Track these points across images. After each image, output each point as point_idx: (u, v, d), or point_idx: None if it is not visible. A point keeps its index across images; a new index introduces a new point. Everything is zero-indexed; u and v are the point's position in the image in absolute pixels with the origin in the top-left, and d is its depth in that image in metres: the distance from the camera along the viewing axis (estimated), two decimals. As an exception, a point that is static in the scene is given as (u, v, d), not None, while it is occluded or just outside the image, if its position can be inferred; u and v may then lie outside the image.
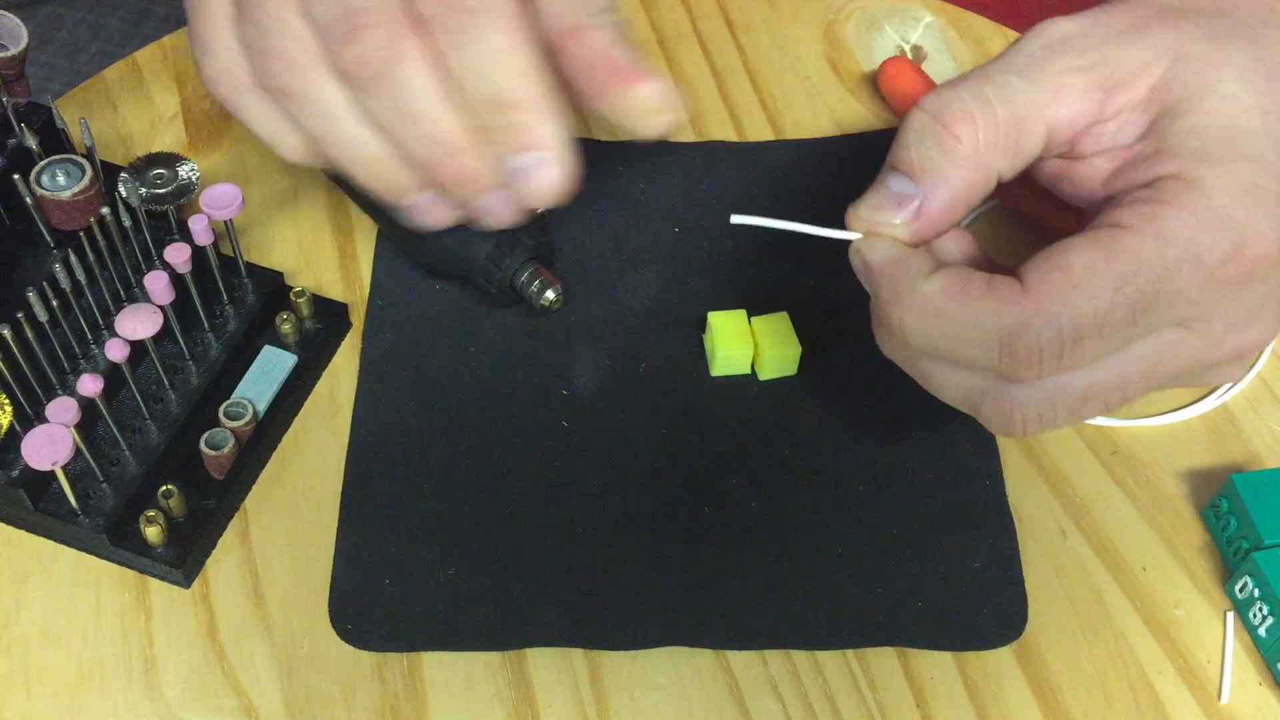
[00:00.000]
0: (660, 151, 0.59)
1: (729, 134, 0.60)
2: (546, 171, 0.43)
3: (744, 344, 0.51)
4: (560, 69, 0.44)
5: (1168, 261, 0.38)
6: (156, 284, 0.46)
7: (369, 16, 0.41)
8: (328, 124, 0.43)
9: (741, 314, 0.52)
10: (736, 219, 0.43)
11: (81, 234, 0.48)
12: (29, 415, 0.46)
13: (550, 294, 0.50)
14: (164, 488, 0.47)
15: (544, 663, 0.46)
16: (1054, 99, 0.40)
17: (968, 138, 0.40)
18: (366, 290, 0.54)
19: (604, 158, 0.58)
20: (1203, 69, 0.40)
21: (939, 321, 0.39)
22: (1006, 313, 0.38)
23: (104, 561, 0.48)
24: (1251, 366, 0.43)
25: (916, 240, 0.41)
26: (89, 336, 0.49)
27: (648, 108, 0.44)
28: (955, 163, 0.40)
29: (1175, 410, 0.52)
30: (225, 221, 0.49)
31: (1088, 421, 0.51)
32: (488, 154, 0.43)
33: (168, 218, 0.51)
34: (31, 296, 0.45)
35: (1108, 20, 0.41)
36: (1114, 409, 0.41)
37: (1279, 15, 0.41)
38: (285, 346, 0.51)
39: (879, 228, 0.41)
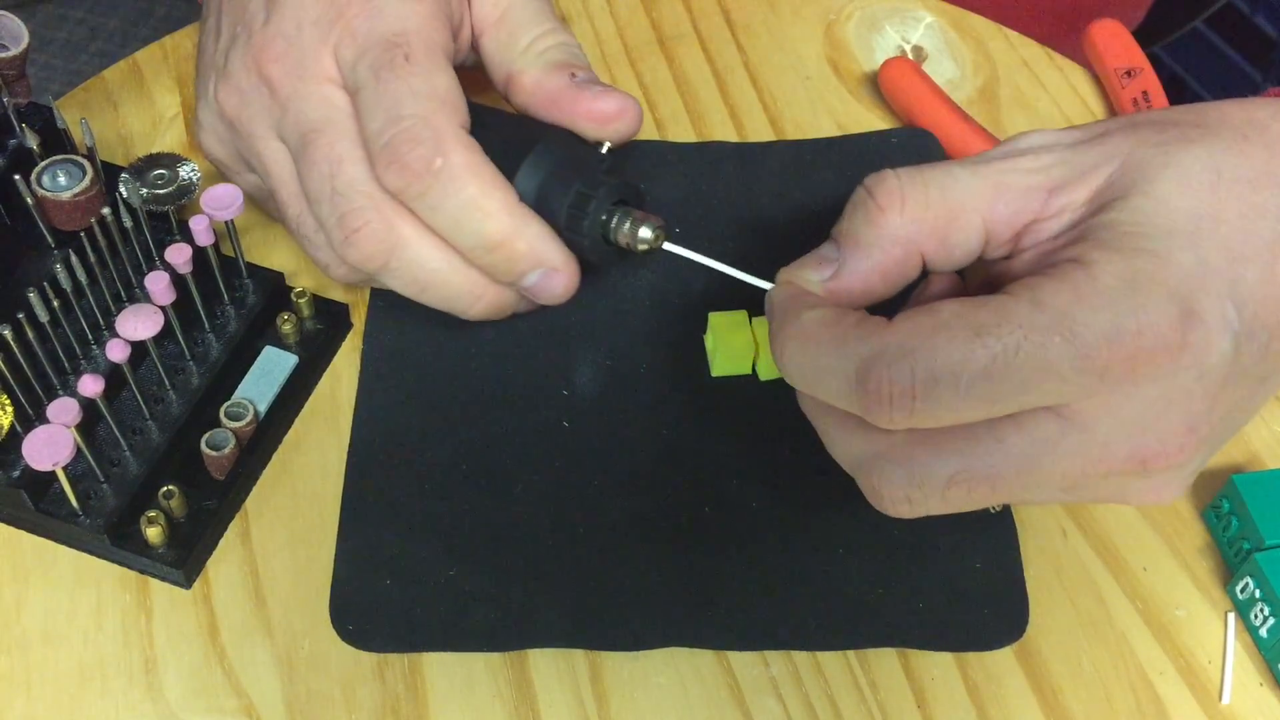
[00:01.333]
0: (660, 151, 0.59)
1: (729, 134, 0.60)
2: (553, 279, 0.47)
3: (745, 344, 0.51)
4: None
5: (1038, 325, 0.36)
6: (157, 284, 0.46)
7: (360, 218, 0.46)
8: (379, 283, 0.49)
9: (742, 314, 0.51)
10: (669, 247, 0.46)
11: (82, 234, 0.48)
12: (30, 416, 0.46)
13: (646, 231, 0.46)
14: (165, 488, 0.47)
15: (544, 663, 0.46)
16: (995, 193, 0.40)
17: (893, 214, 0.40)
18: (367, 291, 0.54)
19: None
20: (1142, 170, 0.39)
21: (811, 349, 0.40)
22: (866, 343, 0.38)
23: (105, 562, 0.48)
24: (1183, 487, 0.40)
25: (830, 302, 0.42)
26: (90, 337, 0.49)
27: (588, 126, 0.49)
28: (876, 235, 0.41)
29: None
30: (226, 222, 0.49)
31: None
32: (500, 286, 0.48)
33: (168, 218, 0.51)
34: (32, 297, 0.45)
35: (1080, 131, 0.41)
36: (987, 504, 0.40)
37: (1269, 132, 0.40)
38: (286, 347, 0.51)
39: (796, 281, 0.42)
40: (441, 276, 0.47)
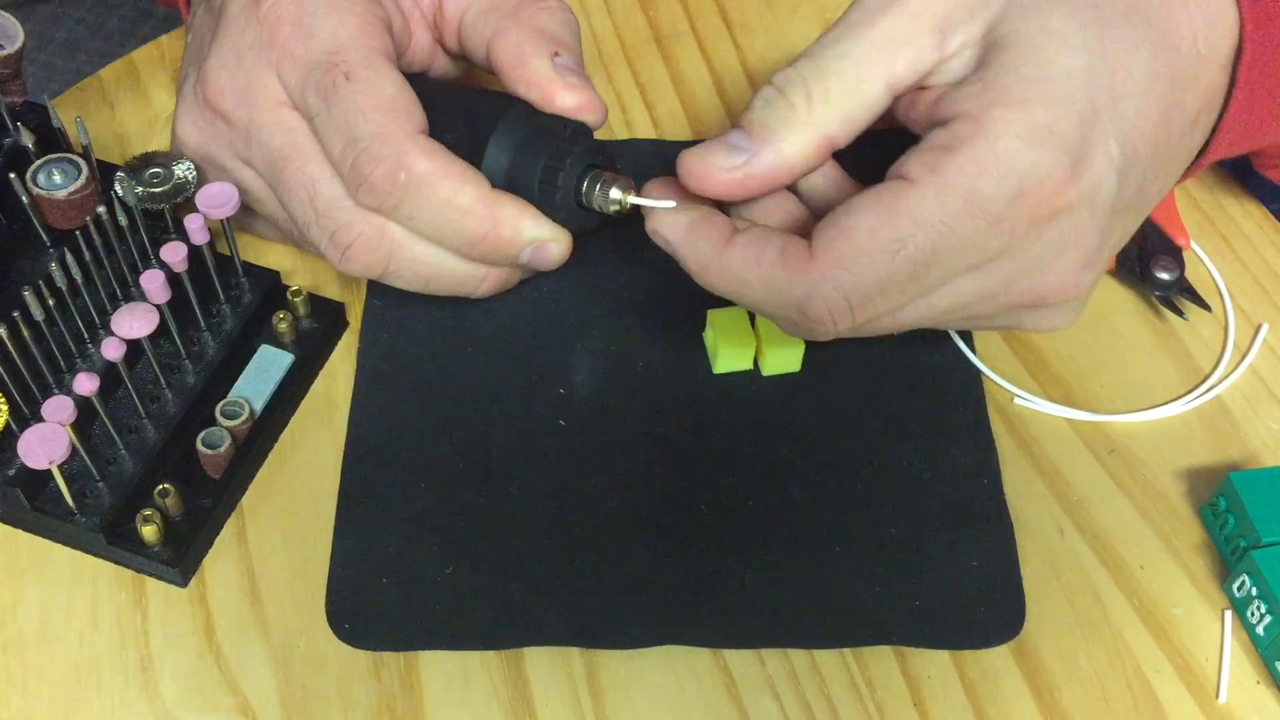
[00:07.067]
0: (659, 150, 0.59)
1: (727, 133, 0.60)
2: (546, 251, 0.48)
3: (746, 341, 0.51)
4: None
5: (948, 216, 0.39)
6: (153, 283, 0.46)
7: (351, 233, 0.46)
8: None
9: (742, 311, 0.51)
10: (639, 200, 0.46)
11: (78, 233, 0.48)
12: (25, 414, 0.46)
13: (616, 191, 0.46)
14: (160, 487, 0.46)
15: (541, 662, 0.46)
16: (889, 54, 0.42)
17: (802, 108, 0.42)
18: (364, 289, 0.54)
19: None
20: (1034, 4, 0.40)
21: (742, 287, 0.42)
22: (796, 281, 0.41)
23: (101, 560, 0.48)
24: (1077, 316, 0.44)
25: (738, 194, 0.43)
26: (85, 335, 0.49)
27: (562, 107, 0.48)
28: (790, 128, 0.42)
29: (1171, 402, 0.52)
30: (221, 220, 0.49)
31: (1088, 419, 0.51)
32: (499, 266, 0.49)
33: (164, 217, 0.51)
34: (28, 295, 0.45)
35: None
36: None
37: None
38: (282, 346, 0.51)
39: (707, 167, 0.43)
40: (442, 269, 0.48)
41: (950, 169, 0.39)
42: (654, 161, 0.58)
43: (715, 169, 0.43)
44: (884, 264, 0.40)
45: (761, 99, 0.43)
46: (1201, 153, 0.46)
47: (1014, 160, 0.39)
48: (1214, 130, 0.45)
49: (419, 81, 0.48)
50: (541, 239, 0.47)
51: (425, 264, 0.47)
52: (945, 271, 0.40)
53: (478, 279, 0.49)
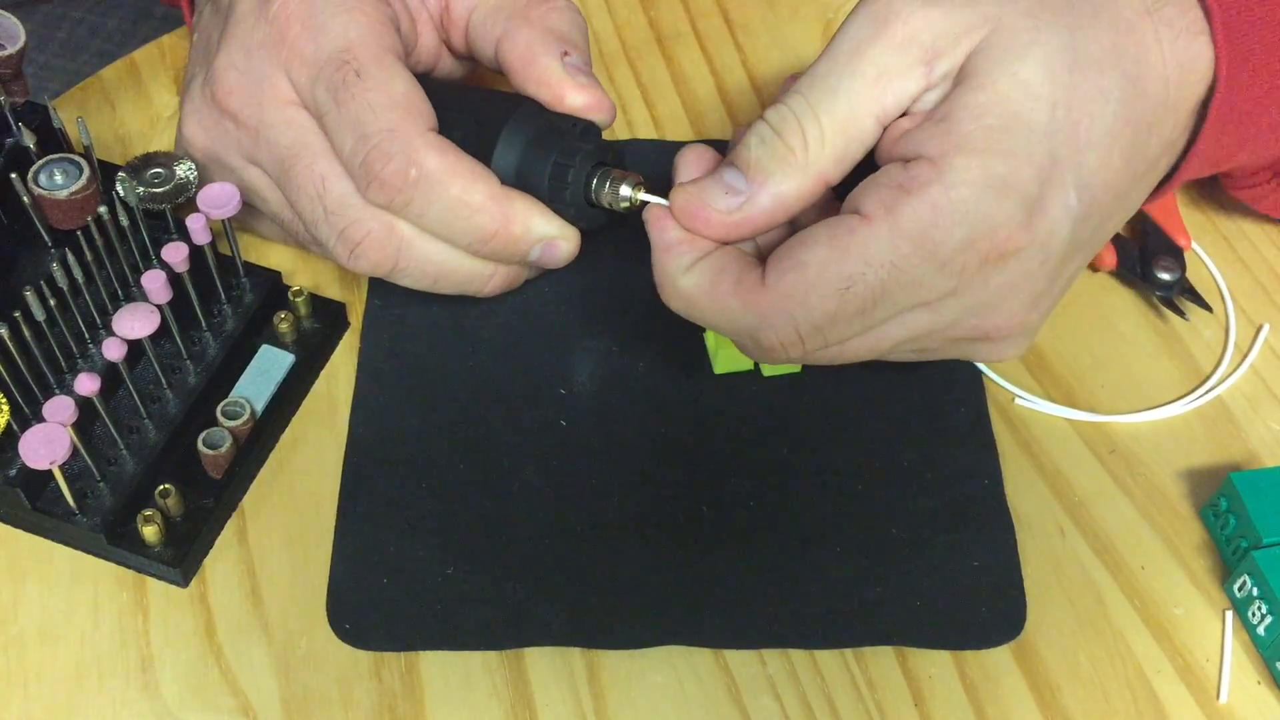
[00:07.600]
0: (659, 150, 0.59)
1: (728, 133, 0.60)
2: (556, 248, 0.48)
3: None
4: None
5: (898, 258, 0.40)
6: (154, 283, 0.46)
7: (361, 230, 0.47)
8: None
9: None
10: (649, 198, 0.46)
11: (79, 233, 0.48)
12: (26, 414, 0.46)
13: (625, 189, 0.46)
14: (161, 487, 0.47)
15: (542, 662, 0.46)
16: (879, 88, 0.42)
17: (799, 150, 0.42)
18: (364, 289, 0.54)
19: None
20: (1011, 44, 0.40)
21: (695, 311, 0.44)
22: (748, 311, 0.42)
23: (102, 561, 0.48)
24: (1025, 347, 0.45)
25: (733, 237, 0.43)
26: (86, 336, 0.49)
27: (571, 107, 0.48)
28: (786, 170, 0.42)
29: (1172, 402, 0.52)
30: (223, 221, 0.49)
31: (1089, 420, 0.51)
32: (508, 264, 0.49)
33: (165, 217, 0.51)
34: (29, 296, 0.45)
35: None
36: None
37: (1114, 8, 0.42)
38: (283, 346, 0.51)
39: (703, 209, 0.43)
40: (450, 266, 0.48)
41: (904, 211, 0.40)
42: (655, 162, 0.58)
43: (712, 211, 0.43)
44: (833, 300, 0.41)
45: (756, 137, 0.43)
46: (1165, 182, 0.46)
47: (967, 209, 0.40)
48: (1179, 162, 0.46)
49: (427, 81, 0.48)
50: (551, 236, 0.47)
51: (433, 262, 0.48)
52: (894, 308, 0.41)
53: (485, 277, 0.49)
